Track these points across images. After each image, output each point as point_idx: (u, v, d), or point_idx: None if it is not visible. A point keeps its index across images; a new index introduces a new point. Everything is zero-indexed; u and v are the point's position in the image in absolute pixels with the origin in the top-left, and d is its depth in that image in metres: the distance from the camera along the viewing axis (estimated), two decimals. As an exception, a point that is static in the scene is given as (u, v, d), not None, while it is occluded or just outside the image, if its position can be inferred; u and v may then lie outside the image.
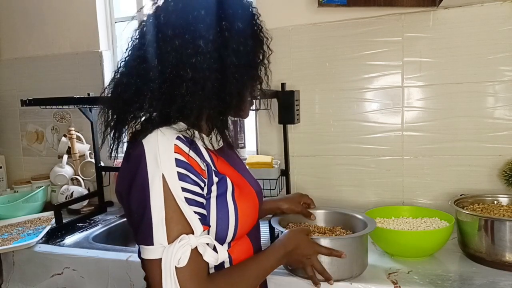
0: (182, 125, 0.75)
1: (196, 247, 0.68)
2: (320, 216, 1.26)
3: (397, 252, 1.25)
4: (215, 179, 0.76)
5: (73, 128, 2.01)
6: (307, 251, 0.98)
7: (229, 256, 0.81)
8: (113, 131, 0.78)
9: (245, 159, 1.70)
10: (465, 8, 1.49)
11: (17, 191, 2.10)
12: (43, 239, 1.56)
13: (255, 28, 0.81)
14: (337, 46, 1.66)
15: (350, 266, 1.09)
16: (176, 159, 0.69)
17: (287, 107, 1.53)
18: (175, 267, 0.66)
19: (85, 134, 2.07)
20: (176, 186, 0.68)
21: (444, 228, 1.23)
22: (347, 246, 1.08)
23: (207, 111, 0.76)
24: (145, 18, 0.78)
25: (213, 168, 0.76)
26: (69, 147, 2.02)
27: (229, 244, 0.81)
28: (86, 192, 1.98)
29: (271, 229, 1.38)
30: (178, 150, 0.70)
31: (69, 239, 1.59)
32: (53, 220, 1.70)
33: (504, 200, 1.34)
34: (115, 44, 2.13)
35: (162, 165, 0.68)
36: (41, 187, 1.97)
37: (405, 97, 1.59)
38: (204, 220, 0.72)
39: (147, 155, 0.70)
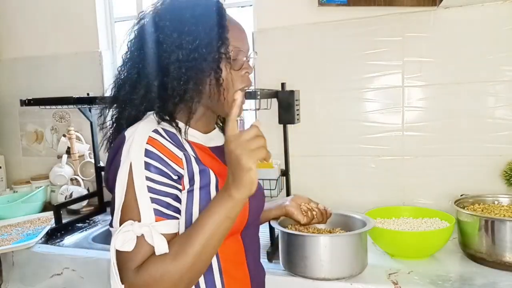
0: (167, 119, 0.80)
1: (143, 235, 0.68)
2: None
3: (398, 252, 1.25)
4: (197, 168, 0.77)
5: (72, 128, 2.01)
6: (244, 161, 0.72)
7: (217, 255, 0.79)
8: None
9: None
10: (465, 8, 1.48)
11: (17, 191, 2.10)
12: (43, 239, 1.56)
13: (205, 21, 0.79)
14: (337, 45, 1.65)
15: (350, 264, 1.09)
16: (146, 149, 0.72)
17: (287, 107, 1.52)
18: (116, 250, 0.69)
19: (85, 134, 2.07)
20: (139, 174, 0.71)
21: (444, 229, 1.23)
22: (347, 243, 1.08)
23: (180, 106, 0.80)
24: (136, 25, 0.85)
25: (194, 157, 0.77)
26: (68, 147, 2.02)
27: None
28: (85, 192, 1.98)
29: (271, 229, 1.38)
30: (151, 141, 0.73)
31: (69, 240, 1.59)
32: (53, 221, 1.69)
33: (504, 200, 1.34)
34: (114, 44, 2.13)
35: (131, 154, 0.72)
36: (40, 187, 1.97)
37: (406, 97, 1.59)
38: (168, 209, 0.72)
39: (125, 144, 0.74)
